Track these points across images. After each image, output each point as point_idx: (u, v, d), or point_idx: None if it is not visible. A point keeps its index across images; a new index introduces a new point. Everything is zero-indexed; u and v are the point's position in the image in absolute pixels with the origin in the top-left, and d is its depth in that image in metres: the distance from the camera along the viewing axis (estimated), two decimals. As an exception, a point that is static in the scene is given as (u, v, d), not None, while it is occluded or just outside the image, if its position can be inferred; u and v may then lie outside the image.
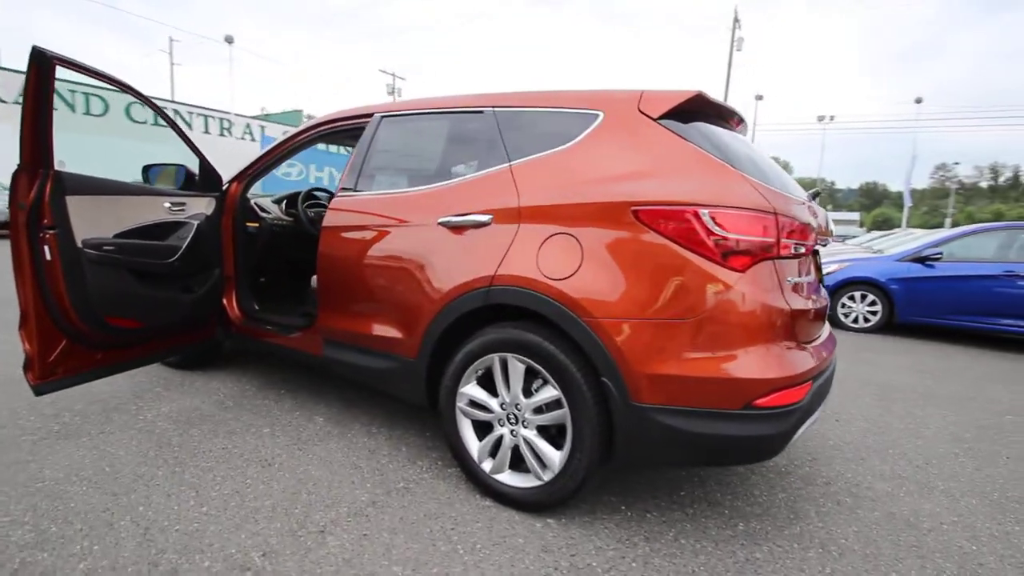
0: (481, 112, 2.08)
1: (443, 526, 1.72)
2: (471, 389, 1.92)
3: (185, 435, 2.28)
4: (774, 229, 1.56)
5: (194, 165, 2.72)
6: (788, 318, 1.60)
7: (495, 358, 1.84)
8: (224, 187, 2.79)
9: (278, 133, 22.00)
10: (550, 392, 1.73)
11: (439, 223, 1.96)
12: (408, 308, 2.05)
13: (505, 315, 1.87)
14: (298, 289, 3.38)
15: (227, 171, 2.84)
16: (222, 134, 19.75)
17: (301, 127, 2.67)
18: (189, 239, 2.45)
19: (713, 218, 1.52)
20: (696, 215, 1.53)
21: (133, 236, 2.26)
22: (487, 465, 1.91)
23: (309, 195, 3.37)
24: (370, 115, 2.43)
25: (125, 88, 2.25)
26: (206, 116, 19.28)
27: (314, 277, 2.80)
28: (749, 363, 1.51)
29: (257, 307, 2.93)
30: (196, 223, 2.51)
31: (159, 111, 2.42)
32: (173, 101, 19.84)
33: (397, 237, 2.10)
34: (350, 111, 2.54)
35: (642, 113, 1.74)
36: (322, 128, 2.61)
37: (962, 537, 1.84)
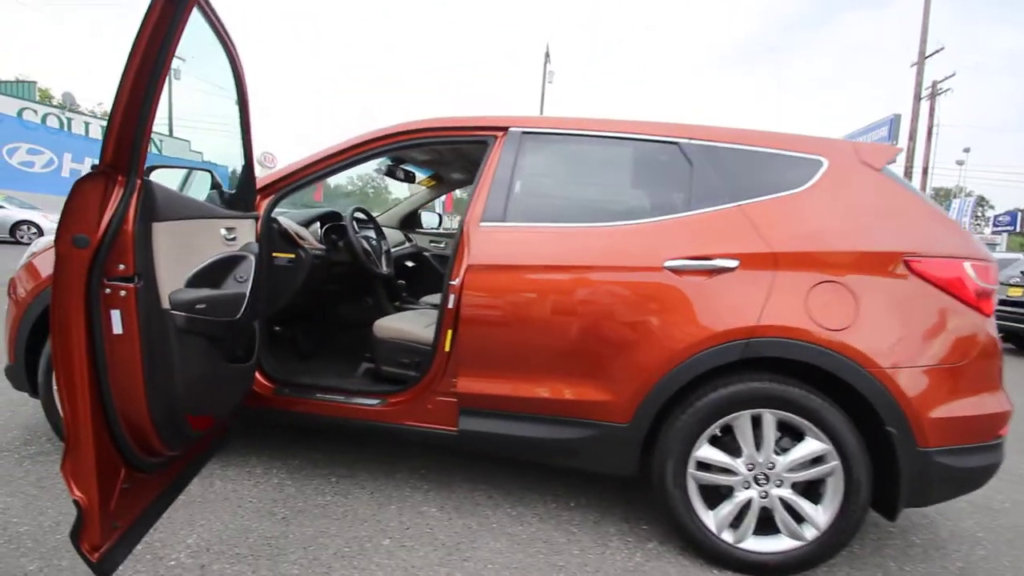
0: (674, 144, 1.89)
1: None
2: (707, 451, 1.72)
3: (282, 576, 1.53)
4: (996, 275, 1.77)
5: (196, 165, 1.87)
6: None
7: (746, 415, 1.68)
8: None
9: (10, 110, 16.51)
10: (813, 446, 1.66)
11: (667, 267, 1.72)
12: (619, 365, 1.74)
13: (736, 367, 1.73)
14: (350, 339, 2.61)
15: None
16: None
17: (377, 134, 2.06)
18: (251, 282, 1.67)
19: (974, 269, 1.66)
20: (962, 266, 1.65)
21: (199, 282, 1.44)
22: (728, 536, 1.73)
23: (332, 216, 2.60)
24: (498, 129, 2.00)
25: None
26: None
27: (390, 324, 2.20)
28: (998, 398, 1.69)
29: (292, 365, 2.15)
30: (253, 257, 1.73)
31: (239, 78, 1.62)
32: None
33: (600, 280, 1.77)
34: (460, 120, 2.06)
35: (864, 163, 1.81)
36: (413, 137, 2.06)
37: None
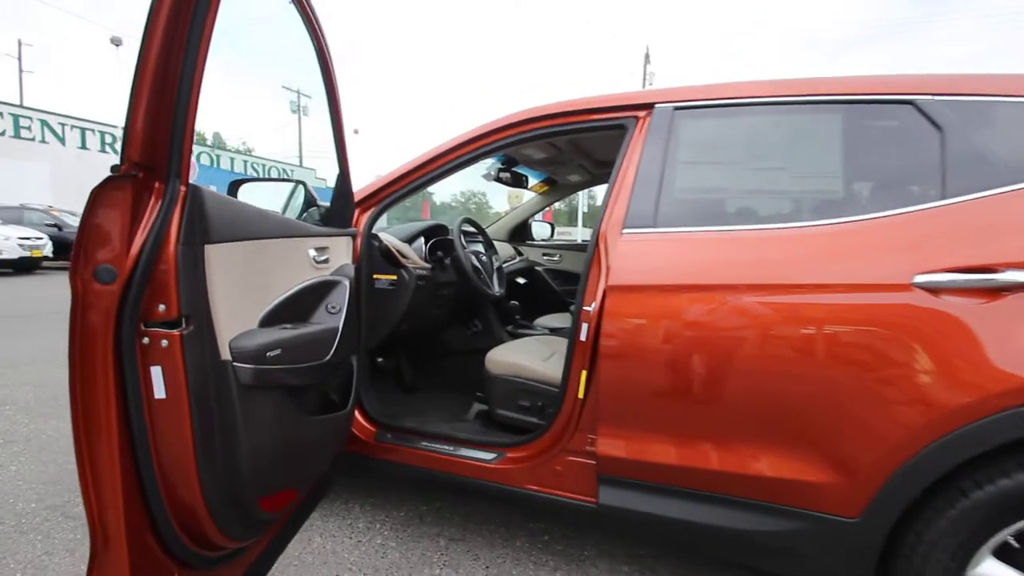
0: (907, 103, 1.30)
1: None
2: (992, 568, 1.10)
3: None
4: None
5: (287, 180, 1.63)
6: None
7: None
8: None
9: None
10: None
11: (918, 284, 1.13)
12: (843, 431, 1.18)
13: None
14: (458, 370, 2.34)
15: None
16: (104, 150, 16.59)
17: (490, 127, 1.70)
18: (345, 314, 1.37)
19: None
20: None
21: (279, 318, 1.14)
22: None
23: (437, 230, 2.32)
24: (640, 108, 1.54)
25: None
26: (83, 129, 16.11)
27: (504, 357, 1.82)
28: None
29: (395, 403, 1.85)
30: (348, 282, 1.43)
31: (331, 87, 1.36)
32: (34, 109, 16.25)
33: (809, 305, 1.23)
34: (589, 102, 1.63)
35: None
36: (531, 128, 1.67)
37: None
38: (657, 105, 1.51)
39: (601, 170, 2.90)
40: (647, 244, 1.39)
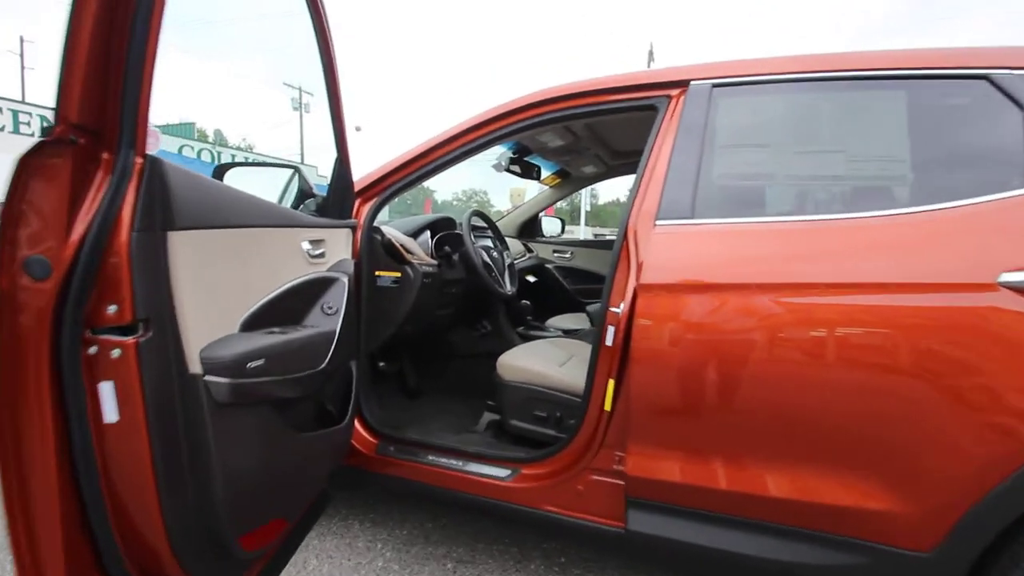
0: (982, 77, 1.14)
1: None
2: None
3: None
4: None
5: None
6: None
7: None
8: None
9: (172, 148, 19.07)
10: None
11: (1005, 284, 0.97)
12: (914, 452, 1.02)
13: None
14: (465, 374, 2.18)
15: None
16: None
17: (505, 108, 1.54)
18: (343, 316, 1.21)
19: None
20: None
21: (265, 321, 0.98)
22: None
23: (444, 224, 2.16)
24: (674, 86, 1.38)
25: None
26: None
27: (517, 362, 1.67)
28: None
29: (398, 410, 1.70)
30: (346, 279, 1.27)
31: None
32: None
33: (873, 308, 1.07)
34: (617, 80, 1.47)
35: None
36: (550, 109, 1.51)
37: None
38: (693, 83, 1.35)
39: (618, 161, 2.73)
40: (685, 237, 1.23)
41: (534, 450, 1.52)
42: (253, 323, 0.94)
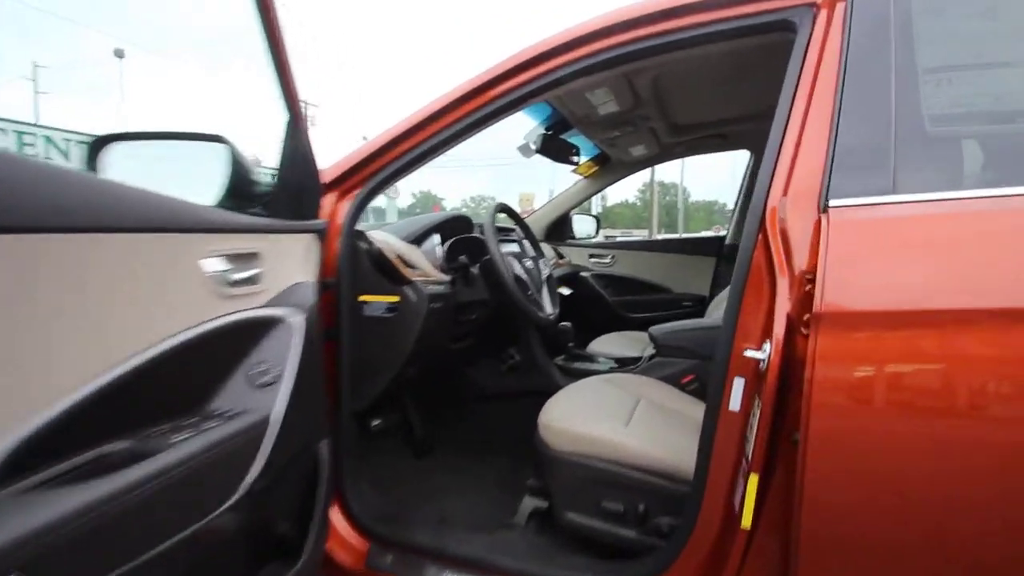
0: None
1: None
2: None
3: None
4: None
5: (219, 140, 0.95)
6: None
7: None
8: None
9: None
10: None
11: None
12: None
13: None
14: (488, 421, 1.65)
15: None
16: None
17: (540, 48, 1.02)
18: (291, 385, 0.69)
19: None
20: None
21: (98, 425, 0.47)
22: None
23: (458, 224, 1.64)
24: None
25: None
26: (87, 144, 15.82)
27: (571, 424, 1.16)
28: None
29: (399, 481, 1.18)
30: (298, 320, 0.75)
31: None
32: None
33: None
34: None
35: None
36: (615, 44, 0.99)
37: None
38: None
39: (673, 139, 2.17)
40: (894, 227, 0.69)
41: (609, 563, 0.99)
42: (48, 443, 0.43)
